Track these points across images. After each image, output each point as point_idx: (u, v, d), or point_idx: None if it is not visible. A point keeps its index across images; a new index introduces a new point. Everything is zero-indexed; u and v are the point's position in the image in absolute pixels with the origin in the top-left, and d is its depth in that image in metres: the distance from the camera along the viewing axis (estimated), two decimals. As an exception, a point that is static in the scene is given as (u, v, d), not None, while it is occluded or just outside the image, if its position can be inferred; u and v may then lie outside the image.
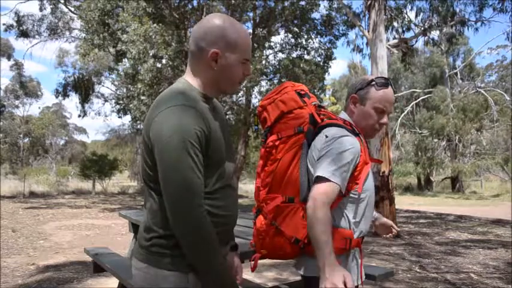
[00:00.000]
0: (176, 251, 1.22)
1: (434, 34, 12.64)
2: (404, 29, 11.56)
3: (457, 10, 10.81)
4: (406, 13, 11.66)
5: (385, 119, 1.58)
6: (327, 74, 13.77)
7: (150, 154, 1.22)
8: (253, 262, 1.67)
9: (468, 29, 11.37)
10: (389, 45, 9.14)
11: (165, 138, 1.15)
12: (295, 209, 1.53)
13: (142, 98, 11.32)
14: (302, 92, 1.62)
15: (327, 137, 1.49)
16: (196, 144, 1.17)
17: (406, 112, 23.62)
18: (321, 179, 1.43)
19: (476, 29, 11.32)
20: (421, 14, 11.72)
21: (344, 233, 1.48)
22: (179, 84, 1.32)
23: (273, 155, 1.59)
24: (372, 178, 1.61)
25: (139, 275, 1.28)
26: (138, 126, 16.40)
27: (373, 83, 1.58)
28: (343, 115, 1.64)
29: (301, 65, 12.77)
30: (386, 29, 10.85)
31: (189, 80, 1.32)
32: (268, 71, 13.87)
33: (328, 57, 13.73)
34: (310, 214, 1.39)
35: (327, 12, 13.74)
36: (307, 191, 1.50)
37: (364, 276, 1.61)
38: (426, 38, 11.47)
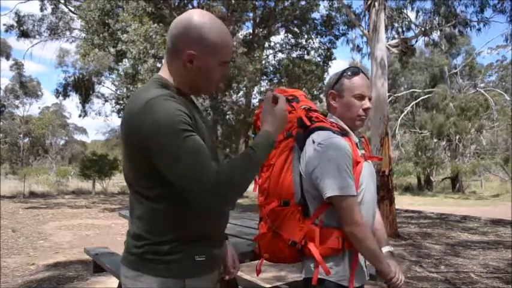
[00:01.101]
0: (170, 257, 1.19)
1: (435, 35, 12.65)
2: (404, 29, 11.56)
3: (458, 11, 10.81)
4: (407, 13, 11.66)
5: (367, 104, 1.59)
6: (326, 74, 13.77)
7: (138, 154, 1.16)
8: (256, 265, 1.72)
9: (471, 29, 11.35)
10: (389, 45, 9.14)
11: (156, 132, 1.10)
12: (290, 212, 1.56)
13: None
14: (290, 98, 1.66)
15: (313, 142, 1.51)
16: (188, 126, 1.13)
17: (406, 112, 23.61)
18: (339, 199, 1.45)
19: (479, 30, 11.22)
20: (422, 14, 11.73)
21: (336, 232, 1.49)
22: (154, 79, 1.27)
23: (267, 160, 1.62)
24: (370, 176, 1.60)
25: (130, 283, 1.22)
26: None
27: (345, 74, 1.61)
28: (330, 117, 1.65)
29: (301, 65, 12.77)
30: (387, 29, 10.84)
31: (165, 76, 1.28)
32: (268, 71, 13.88)
33: (328, 57, 13.73)
34: (357, 237, 1.46)
35: (327, 12, 13.74)
36: (301, 193, 1.54)
37: (367, 277, 1.62)
38: (427, 38, 11.48)
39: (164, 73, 1.29)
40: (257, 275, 1.76)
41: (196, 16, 1.23)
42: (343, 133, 1.54)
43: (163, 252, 1.19)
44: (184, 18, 1.24)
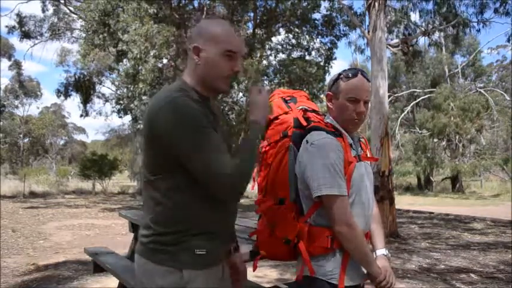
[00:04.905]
0: (172, 248, 1.27)
1: (436, 35, 12.65)
2: (407, 30, 11.56)
3: (459, 12, 10.82)
4: (407, 14, 11.65)
5: (361, 108, 1.56)
6: (328, 74, 13.75)
7: (157, 147, 1.27)
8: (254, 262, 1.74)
9: (470, 30, 11.40)
10: (389, 45, 9.14)
11: (174, 128, 1.21)
12: (286, 210, 1.58)
13: (143, 98, 11.33)
14: (287, 98, 1.71)
15: (307, 142, 1.52)
16: (206, 122, 1.25)
17: (406, 112, 23.59)
18: (328, 198, 1.45)
19: (478, 30, 11.27)
20: (423, 15, 11.73)
21: (327, 232, 1.49)
22: (175, 82, 1.40)
23: (265, 160, 1.66)
24: (366, 177, 1.60)
25: (139, 269, 1.34)
26: (138, 126, 16.39)
27: (341, 76, 1.60)
28: (327, 118, 1.65)
29: (302, 66, 12.75)
30: (388, 30, 10.88)
31: (185, 79, 1.38)
32: (270, 71, 13.87)
33: (329, 57, 13.71)
34: (345, 237, 1.46)
35: (328, 12, 13.70)
36: (295, 191, 1.56)
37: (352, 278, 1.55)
38: (428, 39, 11.50)
39: (185, 76, 1.40)
40: (253, 271, 1.79)
41: (206, 20, 1.46)
42: (337, 134, 1.54)
43: (165, 243, 1.28)
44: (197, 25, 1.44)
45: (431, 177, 24.99)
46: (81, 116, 20.55)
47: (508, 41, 11.71)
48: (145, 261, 1.31)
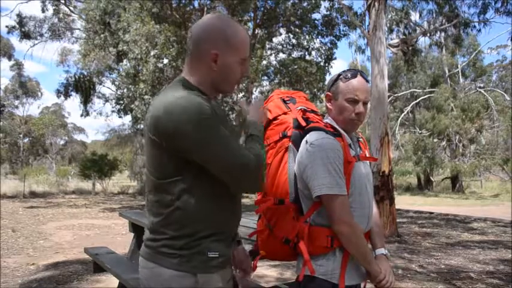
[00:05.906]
0: (184, 252, 1.24)
1: (437, 35, 12.66)
2: (408, 29, 11.57)
3: (460, 12, 10.85)
4: (408, 13, 11.66)
5: (360, 108, 1.57)
6: (328, 74, 13.76)
7: (167, 151, 1.22)
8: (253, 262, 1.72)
9: (471, 29, 11.45)
10: (389, 45, 9.14)
11: (184, 125, 1.17)
12: (285, 211, 1.59)
13: (145, 97, 11.33)
14: (286, 99, 1.71)
15: (306, 142, 1.53)
16: (214, 116, 1.21)
17: (406, 112, 23.58)
18: (327, 198, 1.46)
19: (479, 30, 11.35)
20: (425, 15, 11.77)
21: (326, 231, 1.50)
22: (179, 81, 1.34)
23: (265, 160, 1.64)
24: (365, 177, 1.60)
25: (147, 273, 1.29)
26: (139, 126, 16.40)
27: (341, 77, 1.60)
28: (326, 118, 1.66)
29: (303, 66, 12.76)
30: (389, 30, 10.88)
31: (187, 78, 1.34)
32: (270, 71, 13.88)
33: (329, 57, 13.72)
34: (345, 237, 1.47)
35: (328, 12, 13.71)
36: (295, 192, 1.57)
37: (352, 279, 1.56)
38: (429, 39, 11.54)
39: (187, 75, 1.35)
40: (253, 271, 1.79)
41: (215, 19, 1.35)
42: (336, 134, 1.55)
43: (178, 247, 1.25)
44: (205, 22, 1.34)
45: (431, 177, 24.95)
46: (82, 115, 20.57)
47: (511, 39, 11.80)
48: (154, 265, 1.27)
